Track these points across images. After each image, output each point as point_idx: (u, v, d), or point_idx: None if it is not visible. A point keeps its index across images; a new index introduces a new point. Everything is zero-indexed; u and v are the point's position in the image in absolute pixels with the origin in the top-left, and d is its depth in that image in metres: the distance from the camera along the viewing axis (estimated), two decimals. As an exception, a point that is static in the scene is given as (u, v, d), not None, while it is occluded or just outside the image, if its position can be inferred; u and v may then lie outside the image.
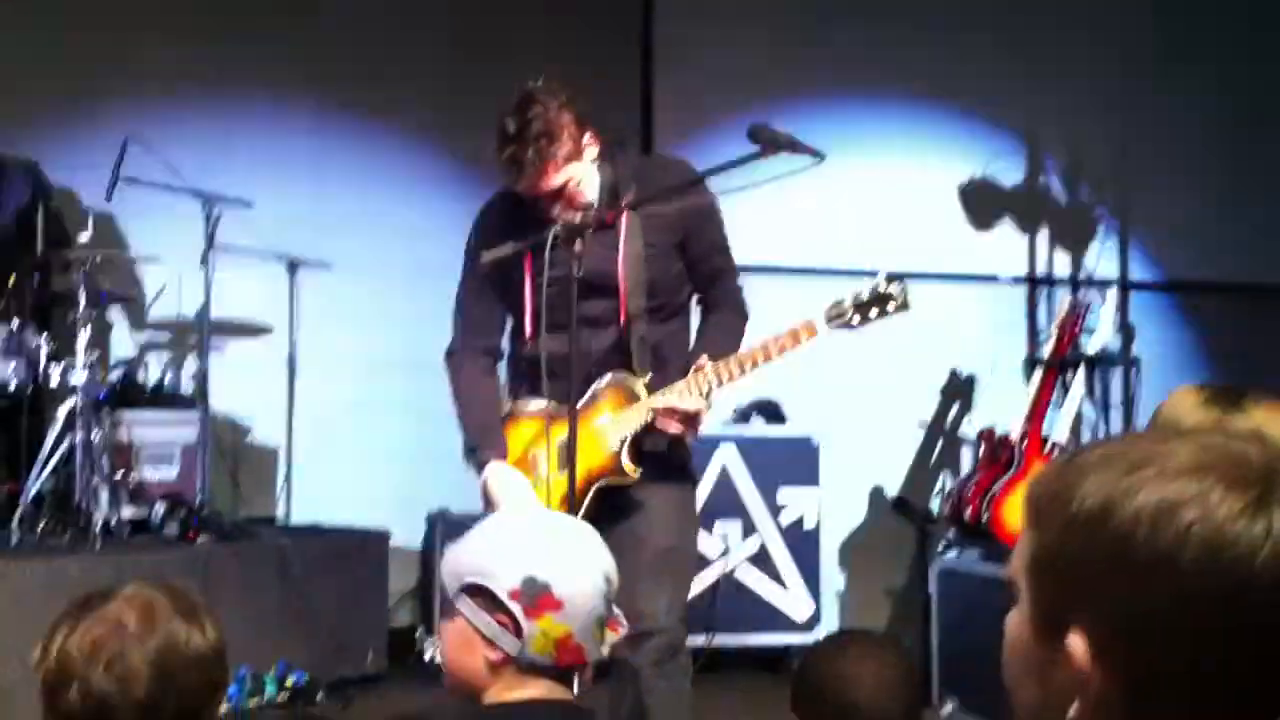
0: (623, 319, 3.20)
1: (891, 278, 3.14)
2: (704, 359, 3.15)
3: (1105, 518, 0.91)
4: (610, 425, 3.19)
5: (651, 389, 3.18)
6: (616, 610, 1.92)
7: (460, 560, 1.90)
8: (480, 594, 1.85)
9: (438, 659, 1.95)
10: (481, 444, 3.24)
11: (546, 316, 3.13)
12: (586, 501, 3.15)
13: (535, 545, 1.87)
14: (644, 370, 3.21)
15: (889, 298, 3.12)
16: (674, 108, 6.52)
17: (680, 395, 3.13)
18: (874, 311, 3.13)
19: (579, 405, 3.12)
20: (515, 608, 1.82)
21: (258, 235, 5.63)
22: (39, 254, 5.28)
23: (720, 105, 5.89)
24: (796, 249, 6.32)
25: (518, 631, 1.82)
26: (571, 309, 3.03)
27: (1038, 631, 0.95)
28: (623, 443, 3.18)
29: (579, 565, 1.87)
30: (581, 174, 3.15)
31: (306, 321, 6.12)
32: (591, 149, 3.17)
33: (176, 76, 5.97)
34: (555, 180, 3.10)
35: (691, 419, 3.15)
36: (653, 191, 3.15)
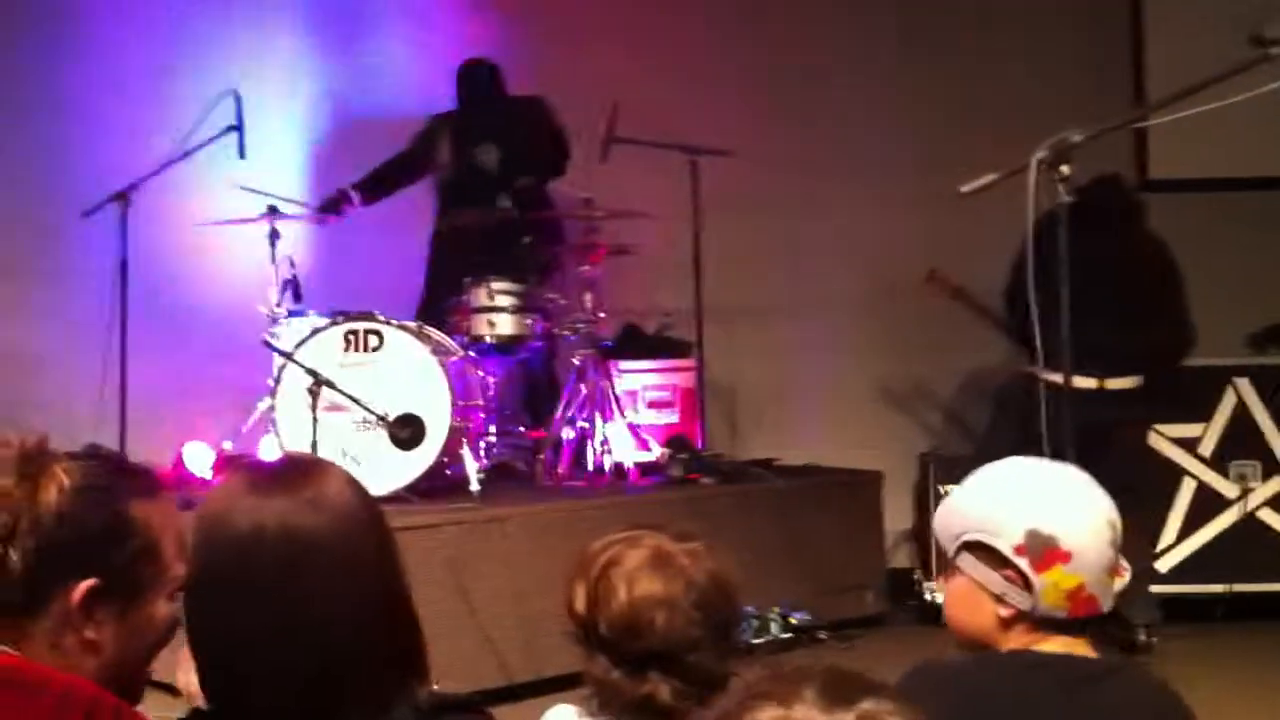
0: None
1: None
2: None
3: None
4: None
5: None
6: (1120, 557, 1.82)
7: (955, 517, 1.85)
8: (983, 550, 1.80)
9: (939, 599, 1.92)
10: None
11: None
12: None
13: (1035, 496, 1.80)
14: None
15: None
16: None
17: None
18: None
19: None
20: (1022, 562, 1.76)
21: (743, 184, 5.78)
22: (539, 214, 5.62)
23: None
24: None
25: (1027, 586, 1.76)
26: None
27: None
28: None
29: (1084, 514, 1.79)
30: None
31: (795, 265, 6.22)
32: None
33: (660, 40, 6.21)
34: None
35: None
36: None
